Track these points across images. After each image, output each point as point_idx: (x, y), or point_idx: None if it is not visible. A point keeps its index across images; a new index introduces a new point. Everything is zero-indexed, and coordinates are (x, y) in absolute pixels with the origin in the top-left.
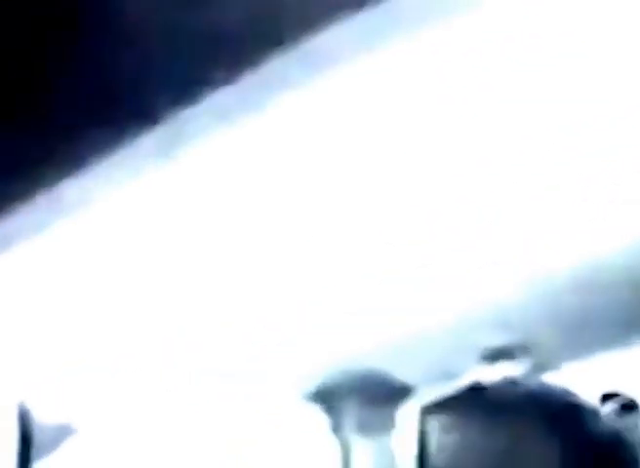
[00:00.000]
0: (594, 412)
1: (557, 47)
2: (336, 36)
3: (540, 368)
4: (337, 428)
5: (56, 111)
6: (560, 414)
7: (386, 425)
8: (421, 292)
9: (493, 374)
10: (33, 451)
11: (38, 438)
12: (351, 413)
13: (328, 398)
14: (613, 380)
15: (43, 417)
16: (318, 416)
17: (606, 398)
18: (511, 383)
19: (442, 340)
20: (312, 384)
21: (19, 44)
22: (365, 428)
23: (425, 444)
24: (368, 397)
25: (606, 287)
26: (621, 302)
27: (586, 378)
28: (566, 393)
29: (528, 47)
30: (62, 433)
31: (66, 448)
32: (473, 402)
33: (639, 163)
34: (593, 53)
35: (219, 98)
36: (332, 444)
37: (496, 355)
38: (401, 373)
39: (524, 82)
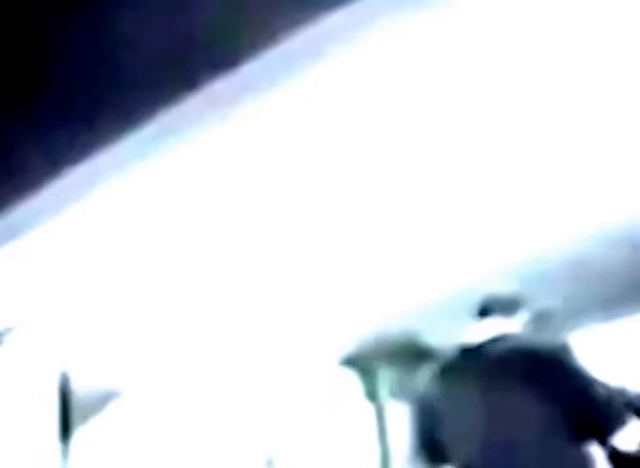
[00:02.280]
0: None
1: (553, 41)
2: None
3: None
4: (371, 393)
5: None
6: (546, 370)
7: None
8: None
9: (487, 331)
10: (76, 416)
11: (81, 402)
12: (385, 378)
13: (362, 363)
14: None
15: (86, 382)
16: (353, 382)
17: None
18: (502, 341)
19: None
20: (347, 350)
21: None
22: (399, 392)
23: (423, 406)
24: (401, 361)
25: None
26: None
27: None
28: (557, 349)
29: (523, 39)
30: (105, 397)
31: (109, 411)
32: (465, 364)
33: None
34: (589, 48)
35: (203, 97)
36: (366, 408)
37: (492, 308)
38: (432, 337)
39: (517, 72)
